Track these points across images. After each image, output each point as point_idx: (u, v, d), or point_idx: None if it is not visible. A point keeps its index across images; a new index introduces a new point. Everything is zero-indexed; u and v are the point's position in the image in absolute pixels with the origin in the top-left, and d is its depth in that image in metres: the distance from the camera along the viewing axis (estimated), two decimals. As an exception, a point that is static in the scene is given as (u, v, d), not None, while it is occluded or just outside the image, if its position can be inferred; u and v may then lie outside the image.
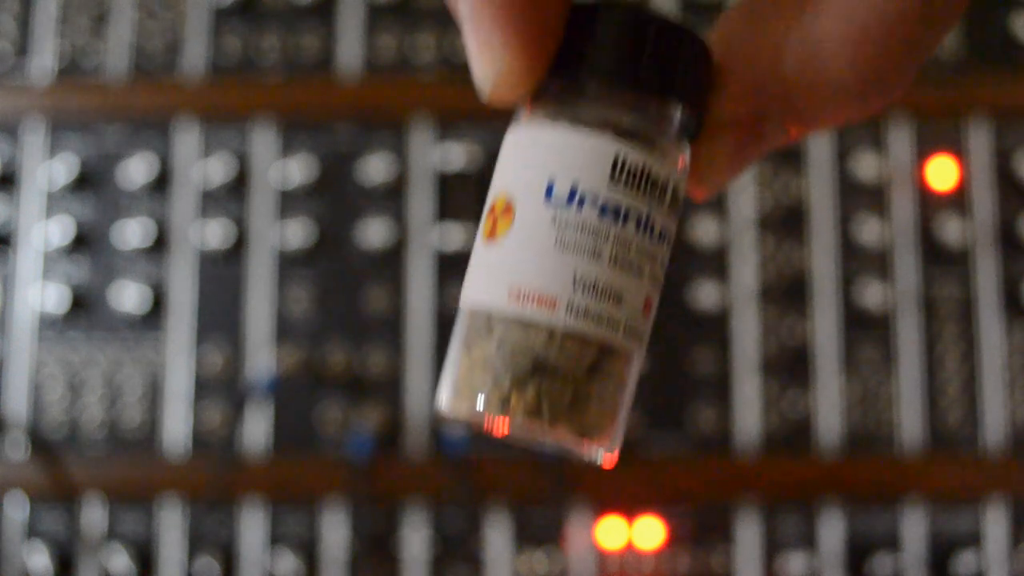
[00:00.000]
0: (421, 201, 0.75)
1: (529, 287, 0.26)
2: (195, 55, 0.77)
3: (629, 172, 0.26)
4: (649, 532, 0.72)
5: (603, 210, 0.26)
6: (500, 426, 0.26)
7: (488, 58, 0.25)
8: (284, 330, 0.74)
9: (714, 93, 0.27)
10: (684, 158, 0.28)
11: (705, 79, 0.27)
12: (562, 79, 0.26)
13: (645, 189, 0.26)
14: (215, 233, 0.74)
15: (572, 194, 0.26)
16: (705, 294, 0.73)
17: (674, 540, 0.72)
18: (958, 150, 0.74)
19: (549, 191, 0.26)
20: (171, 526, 0.72)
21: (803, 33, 0.26)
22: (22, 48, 0.77)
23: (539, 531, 0.72)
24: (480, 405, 0.26)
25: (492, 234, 0.27)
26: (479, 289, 0.27)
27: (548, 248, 0.26)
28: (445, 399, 0.27)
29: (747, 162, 0.29)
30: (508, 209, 0.26)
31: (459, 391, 0.27)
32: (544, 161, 0.26)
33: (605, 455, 0.27)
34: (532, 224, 0.26)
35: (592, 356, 0.26)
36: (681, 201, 0.28)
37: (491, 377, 0.26)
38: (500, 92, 0.26)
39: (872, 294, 0.72)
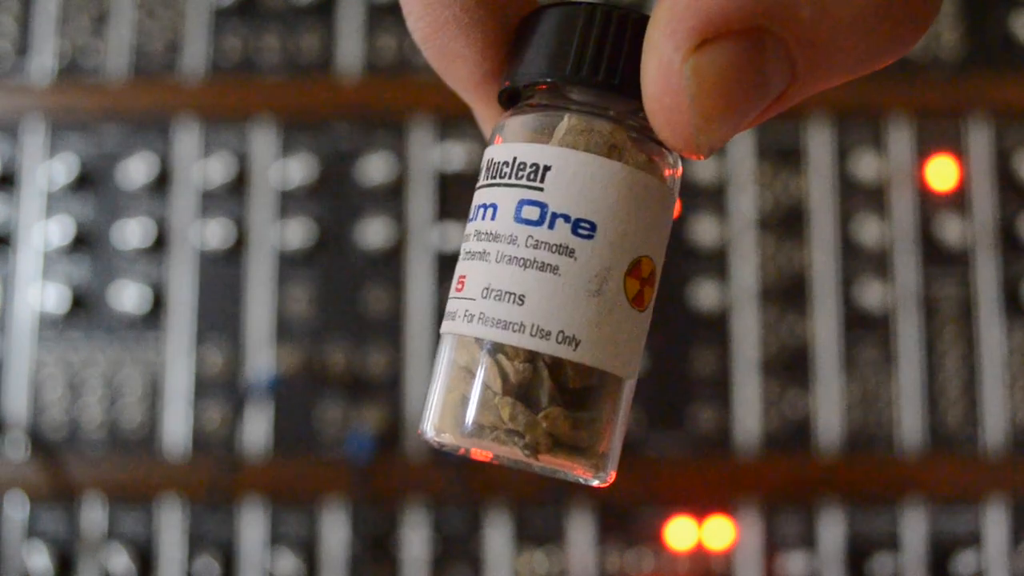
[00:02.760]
0: (421, 201, 0.75)
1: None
2: (195, 55, 0.77)
3: (495, 167, 0.26)
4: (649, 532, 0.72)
5: (477, 209, 0.26)
6: (482, 453, 0.26)
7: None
8: (284, 330, 0.74)
9: (676, 4, 0.21)
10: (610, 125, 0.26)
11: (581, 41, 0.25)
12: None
13: (509, 179, 0.25)
14: (215, 233, 0.74)
15: (479, 207, 0.26)
16: (705, 294, 0.73)
17: (674, 540, 0.72)
18: (958, 150, 0.74)
19: (475, 211, 0.27)
20: (171, 526, 0.72)
21: None
22: (22, 48, 0.77)
23: (539, 531, 0.72)
24: (462, 433, 0.26)
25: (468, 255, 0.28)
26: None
27: (461, 262, 0.26)
28: (431, 425, 0.26)
29: (746, 102, 0.22)
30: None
31: (442, 419, 0.26)
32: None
33: (589, 479, 0.26)
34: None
35: (514, 369, 0.25)
36: (667, 230, 0.26)
37: (469, 402, 0.25)
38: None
39: (872, 294, 0.72)
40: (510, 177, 0.26)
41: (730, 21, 0.21)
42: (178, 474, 0.72)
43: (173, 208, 0.75)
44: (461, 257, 0.27)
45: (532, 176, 0.25)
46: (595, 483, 0.26)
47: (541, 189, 0.25)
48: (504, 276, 0.25)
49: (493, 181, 0.26)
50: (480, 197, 0.26)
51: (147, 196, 0.75)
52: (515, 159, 0.26)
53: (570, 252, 0.25)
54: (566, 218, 0.25)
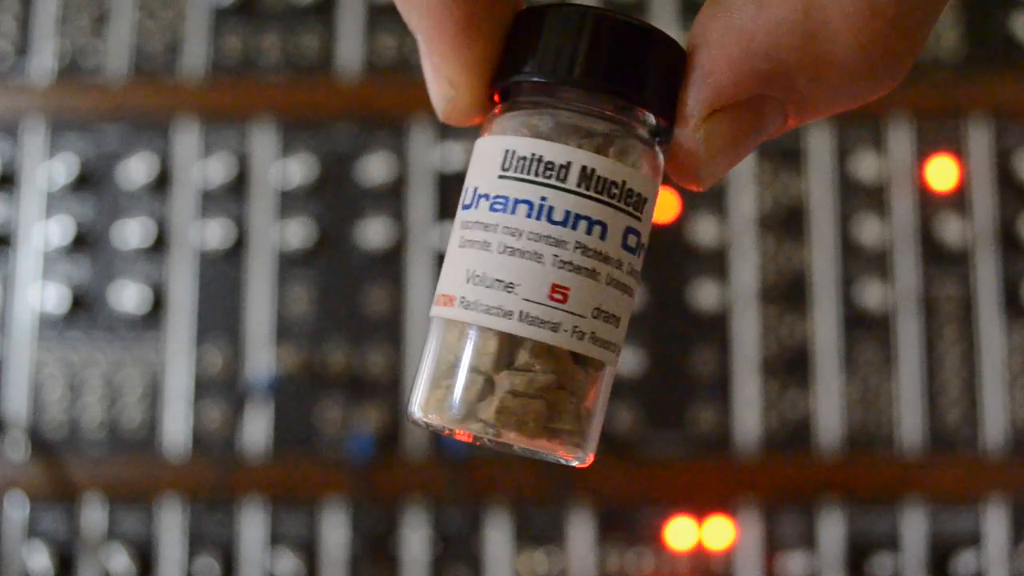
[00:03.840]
0: (421, 201, 0.75)
1: (441, 290, 0.27)
2: (195, 55, 0.77)
3: (519, 162, 0.26)
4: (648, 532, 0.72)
5: (493, 204, 0.26)
6: (464, 434, 0.27)
7: (438, 89, 0.28)
8: (284, 330, 0.74)
9: (701, 73, 0.26)
10: (637, 151, 0.27)
11: (645, 68, 0.26)
12: (500, 93, 0.28)
13: (538, 176, 0.26)
14: (215, 233, 0.74)
15: (474, 195, 0.27)
16: (705, 294, 0.73)
17: (674, 540, 0.72)
18: (958, 150, 0.74)
19: (463, 198, 0.27)
20: (171, 526, 0.72)
21: (805, 10, 0.24)
22: (22, 48, 0.77)
23: (539, 531, 0.72)
24: (445, 414, 0.26)
25: (456, 243, 0.28)
26: (442, 295, 0.27)
27: (454, 250, 0.27)
28: (416, 406, 0.27)
29: (744, 149, 0.27)
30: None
31: (427, 399, 0.27)
32: (469, 173, 0.28)
33: (569, 460, 0.27)
34: (452, 233, 0.28)
35: (494, 348, 0.26)
36: (615, 184, 0.27)
37: (451, 383, 0.26)
38: (452, 119, 0.28)
39: (872, 294, 0.72)
40: (605, 195, 0.26)
41: (738, 93, 0.26)
42: (178, 474, 0.72)
43: (173, 208, 0.75)
44: (456, 243, 0.27)
45: (629, 199, 0.27)
46: (575, 463, 0.27)
47: (637, 218, 0.27)
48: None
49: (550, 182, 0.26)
50: (505, 189, 0.27)
51: (147, 196, 0.75)
52: (593, 171, 0.26)
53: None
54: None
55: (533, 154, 0.26)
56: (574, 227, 0.26)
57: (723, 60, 0.25)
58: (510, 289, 0.26)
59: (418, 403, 0.27)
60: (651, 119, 0.27)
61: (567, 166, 0.26)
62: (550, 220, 0.26)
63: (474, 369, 0.26)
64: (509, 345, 0.26)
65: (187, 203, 0.75)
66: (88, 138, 0.76)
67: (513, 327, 0.26)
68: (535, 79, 0.27)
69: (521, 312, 0.26)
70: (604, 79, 0.26)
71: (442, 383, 0.27)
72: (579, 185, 0.26)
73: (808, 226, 0.74)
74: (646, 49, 0.26)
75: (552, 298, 0.26)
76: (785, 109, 0.26)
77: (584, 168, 0.26)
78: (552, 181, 0.26)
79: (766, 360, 0.73)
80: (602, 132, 0.26)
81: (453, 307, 0.26)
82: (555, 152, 0.26)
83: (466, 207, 0.27)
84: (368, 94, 0.76)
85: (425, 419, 0.27)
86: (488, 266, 0.26)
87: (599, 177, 0.26)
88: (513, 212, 0.26)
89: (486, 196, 0.27)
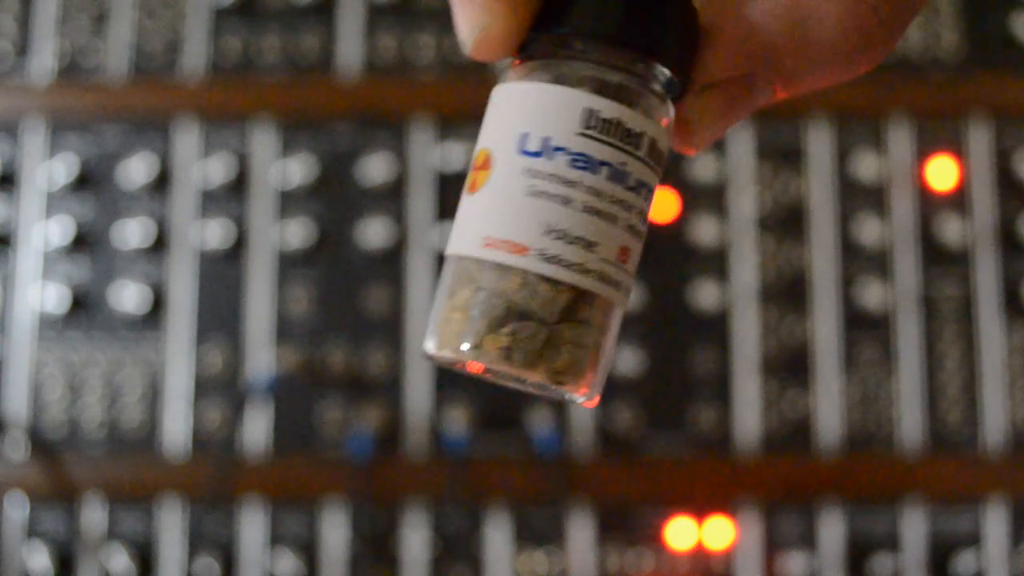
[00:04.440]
0: (421, 201, 0.75)
1: (502, 235, 0.27)
2: (195, 55, 0.77)
3: (602, 124, 0.27)
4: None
5: (574, 160, 0.27)
6: (476, 368, 0.28)
7: (470, 17, 0.27)
8: (284, 330, 0.74)
9: (701, 53, 0.28)
10: (667, 115, 0.29)
11: (688, 38, 0.28)
12: (545, 36, 0.28)
13: (619, 141, 0.27)
14: (215, 233, 0.74)
15: (544, 145, 0.27)
16: (705, 294, 0.73)
17: (674, 540, 0.72)
18: (958, 150, 0.74)
19: (523, 143, 0.27)
20: (171, 526, 0.72)
21: None
22: (22, 48, 0.77)
23: (539, 531, 0.72)
24: (458, 348, 0.27)
25: (472, 187, 0.28)
26: (460, 238, 0.28)
27: (520, 197, 0.27)
28: (429, 342, 0.28)
29: (734, 119, 0.29)
30: (487, 163, 0.28)
31: (441, 334, 0.28)
32: (521, 115, 0.28)
33: (583, 400, 0.28)
34: (507, 175, 0.28)
35: (565, 302, 0.27)
36: (663, 156, 0.29)
37: (468, 321, 0.27)
38: (481, 51, 0.27)
39: (872, 294, 0.72)
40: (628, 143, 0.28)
41: (731, 71, 0.28)
42: (178, 474, 0.72)
43: (173, 208, 0.75)
44: (521, 189, 0.28)
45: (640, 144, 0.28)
46: (582, 401, 0.28)
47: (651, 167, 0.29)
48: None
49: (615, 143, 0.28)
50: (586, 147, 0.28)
51: (147, 196, 0.75)
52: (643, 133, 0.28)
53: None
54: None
55: (617, 119, 0.27)
56: (638, 194, 0.28)
57: (718, 41, 0.28)
58: (590, 248, 0.27)
59: (432, 339, 0.28)
60: (675, 88, 0.29)
61: (641, 135, 0.27)
62: (626, 185, 0.27)
63: (487, 304, 0.27)
64: (577, 299, 0.27)
65: (187, 203, 0.75)
66: (88, 138, 0.76)
67: (590, 284, 0.27)
68: (603, 38, 0.27)
69: (599, 271, 0.27)
70: (663, 48, 0.28)
71: (455, 319, 0.27)
72: (647, 156, 0.28)
73: (808, 226, 0.74)
74: (686, 17, 0.28)
75: (619, 259, 0.28)
76: (773, 83, 0.29)
77: (652, 140, 0.28)
78: (631, 148, 0.27)
79: (766, 360, 0.73)
80: (657, 103, 0.28)
81: (528, 256, 0.27)
82: (635, 122, 0.27)
83: (533, 154, 0.27)
84: (368, 94, 0.75)
85: (439, 354, 0.28)
86: (570, 223, 0.27)
87: (658, 149, 0.28)
88: (596, 173, 0.27)
89: (564, 150, 0.27)
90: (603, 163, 0.27)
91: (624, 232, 0.28)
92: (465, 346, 0.27)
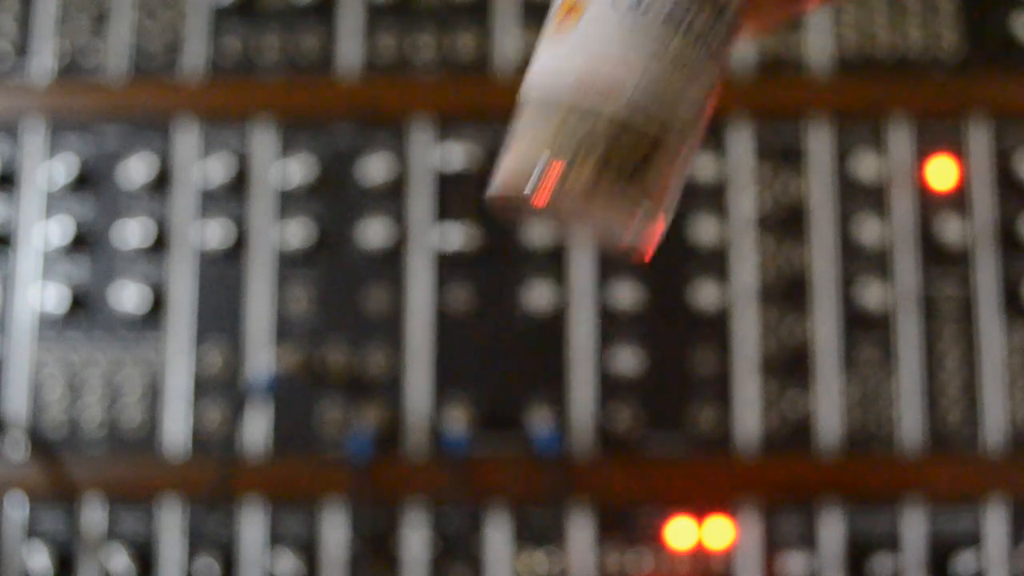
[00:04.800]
0: (421, 201, 0.75)
1: (596, 74, 0.28)
2: (195, 55, 0.77)
3: None
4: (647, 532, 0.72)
5: (671, 12, 0.28)
6: (555, 197, 0.28)
7: None
8: (284, 330, 0.74)
9: None
10: None
11: None
12: None
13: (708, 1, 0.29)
14: (215, 233, 0.74)
15: None
16: (705, 294, 0.73)
17: (675, 540, 0.72)
18: (958, 150, 0.74)
19: None
20: (171, 526, 0.72)
21: None
22: (22, 48, 0.77)
23: (539, 531, 0.72)
24: (538, 178, 0.28)
25: (561, 26, 0.29)
26: (547, 75, 0.29)
27: (616, 40, 0.28)
28: (502, 178, 0.29)
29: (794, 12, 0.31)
30: (577, 5, 0.29)
31: (518, 168, 0.28)
32: None
33: (650, 232, 0.29)
34: (603, 18, 0.29)
35: (649, 142, 0.28)
36: (738, 24, 0.30)
37: (551, 152, 0.28)
38: None
39: (872, 294, 0.72)
40: None
41: None
42: (178, 474, 0.73)
43: (173, 208, 0.75)
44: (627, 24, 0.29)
45: None
46: (648, 234, 0.29)
47: None
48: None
49: None
50: None
51: (147, 196, 0.75)
52: None
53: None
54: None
55: None
56: (726, 32, 0.29)
57: None
58: (678, 83, 0.28)
59: (505, 174, 0.29)
60: None
61: (726, 5, 0.29)
62: (712, 27, 0.29)
63: (569, 139, 0.28)
64: (664, 132, 0.28)
65: (187, 203, 0.75)
66: (88, 138, 0.76)
67: (681, 116, 0.28)
68: None
69: (687, 105, 0.29)
70: None
71: (526, 157, 0.28)
72: (732, 22, 0.30)
73: (808, 226, 0.74)
74: None
75: (706, 98, 0.29)
76: None
77: None
78: (717, 11, 0.29)
79: (766, 360, 0.73)
80: None
81: (621, 91, 0.28)
82: None
83: (636, 3, 0.29)
84: (368, 94, 0.76)
85: (507, 192, 0.28)
86: (661, 58, 0.28)
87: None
88: (686, 12, 0.29)
89: (662, 3, 0.28)
90: (695, 18, 0.28)
91: (707, 81, 0.29)
92: (549, 176, 0.28)
